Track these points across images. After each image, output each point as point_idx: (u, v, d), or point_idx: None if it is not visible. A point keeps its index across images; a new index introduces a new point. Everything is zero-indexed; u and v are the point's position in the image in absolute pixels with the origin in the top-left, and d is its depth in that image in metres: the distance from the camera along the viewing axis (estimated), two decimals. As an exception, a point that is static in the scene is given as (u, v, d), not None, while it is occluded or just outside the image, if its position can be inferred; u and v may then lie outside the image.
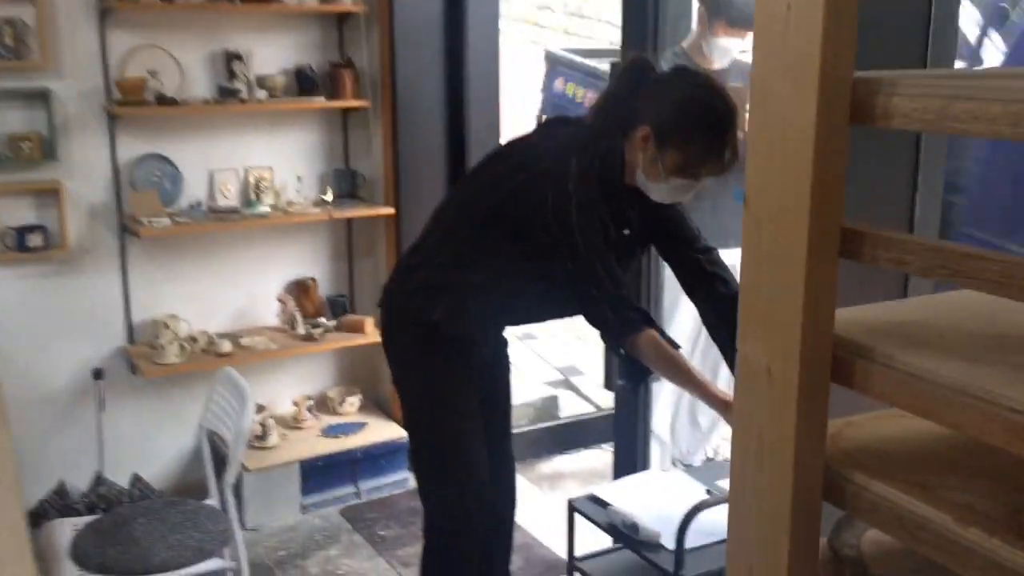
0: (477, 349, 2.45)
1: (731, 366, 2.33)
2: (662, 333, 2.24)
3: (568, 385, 4.79)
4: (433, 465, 2.43)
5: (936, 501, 0.92)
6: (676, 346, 2.24)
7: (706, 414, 3.85)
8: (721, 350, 2.37)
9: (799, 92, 0.95)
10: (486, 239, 2.29)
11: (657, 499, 2.38)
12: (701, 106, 2.14)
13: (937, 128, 0.88)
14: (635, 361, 2.26)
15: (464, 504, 2.40)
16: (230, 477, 2.46)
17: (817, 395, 1.00)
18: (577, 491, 3.93)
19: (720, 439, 4.05)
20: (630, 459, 2.95)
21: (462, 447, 2.40)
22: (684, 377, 2.22)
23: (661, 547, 2.18)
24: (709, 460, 3.94)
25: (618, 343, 2.23)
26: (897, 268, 0.93)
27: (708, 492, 2.42)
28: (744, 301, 1.05)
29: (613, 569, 2.38)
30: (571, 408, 4.51)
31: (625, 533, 2.23)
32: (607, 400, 4.68)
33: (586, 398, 4.65)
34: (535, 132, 2.37)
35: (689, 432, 3.87)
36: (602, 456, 4.18)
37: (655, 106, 2.16)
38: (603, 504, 2.37)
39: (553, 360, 5.04)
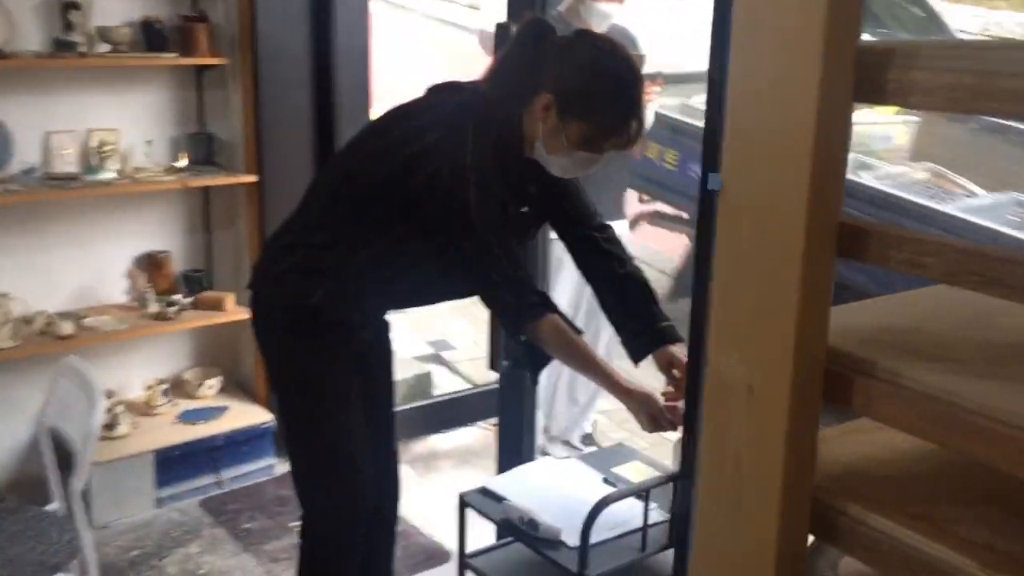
0: (358, 334, 2.25)
1: (629, 351, 2.21)
2: (564, 318, 2.09)
3: (439, 360, 4.63)
4: (313, 461, 2.22)
5: (950, 540, 0.80)
6: (579, 331, 2.10)
7: (584, 389, 3.76)
8: (619, 333, 2.25)
9: (799, 63, 0.80)
10: (370, 217, 2.08)
11: (554, 491, 2.24)
12: (608, 74, 1.99)
13: (967, 108, 0.75)
14: (535, 348, 2.11)
15: (347, 503, 2.21)
16: (78, 484, 2.18)
17: (808, 416, 0.86)
18: (453, 472, 3.79)
19: (597, 414, 3.98)
20: (516, 443, 2.81)
21: (344, 441, 2.20)
22: (588, 365, 2.09)
23: (562, 544, 2.05)
24: (587, 436, 3.87)
25: (519, 329, 2.08)
26: (911, 272, 0.79)
27: (606, 481, 2.30)
28: (718, 307, 0.90)
29: (508, 565, 2.23)
30: (444, 385, 4.34)
31: (523, 530, 2.08)
32: (481, 375, 4.54)
33: (459, 374, 4.50)
34: (423, 99, 2.17)
35: (567, 408, 3.78)
36: (478, 434, 4.05)
37: (557, 72, 1.99)
38: (496, 498, 2.22)
39: (423, 334, 4.85)
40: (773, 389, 0.85)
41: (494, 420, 4.07)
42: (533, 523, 2.07)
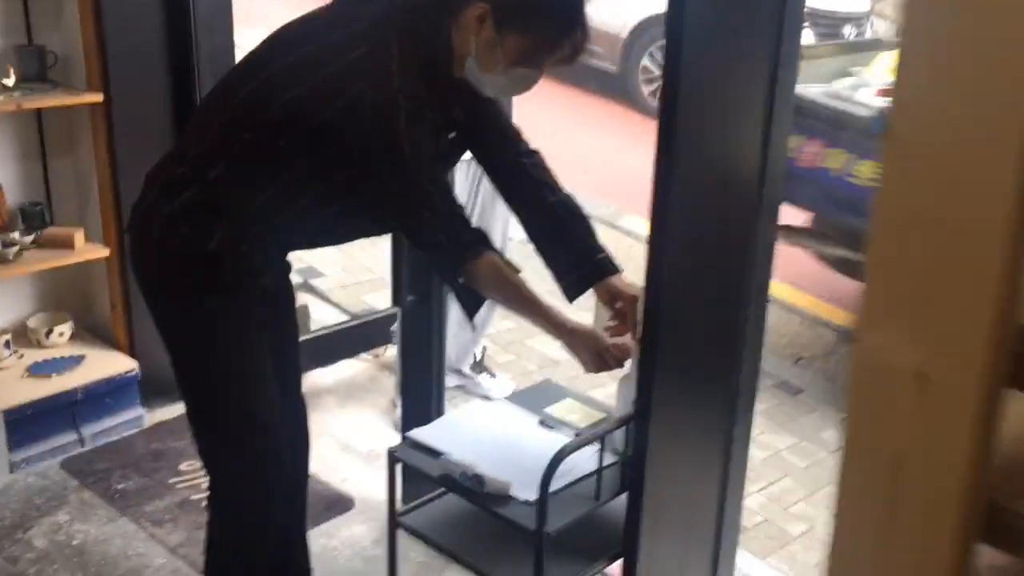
0: (259, 280, 1.98)
1: (565, 288, 2.04)
2: (501, 255, 1.90)
3: (309, 289, 4.33)
4: (220, 428, 1.97)
5: None
6: (517, 269, 1.91)
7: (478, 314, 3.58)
8: (552, 268, 2.07)
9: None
10: (276, 147, 1.80)
11: (491, 440, 2.07)
12: None
13: None
14: (471, 290, 1.91)
15: (262, 472, 1.97)
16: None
17: (995, 410, 0.71)
18: (339, 410, 3.56)
19: (485, 340, 3.82)
20: (424, 382, 2.61)
21: (255, 402, 1.95)
22: (528, 305, 1.91)
23: (512, 499, 1.89)
24: (477, 363, 3.71)
25: (455, 271, 1.86)
26: None
27: (542, 423, 2.15)
28: (876, 273, 0.73)
29: (445, 523, 2.06)
30: (317, 315, 4.07)
31: (468, 487, 1.91)
32: (355, 303, 4.30)
33: (332, 303, 4.23)
34: (331, 9, 1.88)
35: (457, 336, 3.60)
36: (361, 367, 3.82)
37: None
38: (429, 451, 2.03)
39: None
40: (956, 377, 0.69)
41: (377, 351, 3.87)
42: (479, 478, 1.90)
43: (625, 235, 5.40)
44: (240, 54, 3.20)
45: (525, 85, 1.85)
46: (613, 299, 1.98)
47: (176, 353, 1.94)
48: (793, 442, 3.84)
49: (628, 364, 1.97)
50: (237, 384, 1.94)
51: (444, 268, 1.93)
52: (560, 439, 2.07)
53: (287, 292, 2.17)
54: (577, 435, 2.09)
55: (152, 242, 1.89)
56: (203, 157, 1.86)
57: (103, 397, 3.17)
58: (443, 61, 1.81)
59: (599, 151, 6.96)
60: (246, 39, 3.27)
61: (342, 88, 1.73)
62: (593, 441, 1.90)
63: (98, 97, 3.00)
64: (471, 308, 1.95)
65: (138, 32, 3.02)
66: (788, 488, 3.52)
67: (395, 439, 3.33)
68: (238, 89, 1.88)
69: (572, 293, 2.03)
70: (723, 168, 1.88)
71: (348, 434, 3.37)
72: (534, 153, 2.09)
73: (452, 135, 1.92)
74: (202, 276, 1.86)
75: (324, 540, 2.77)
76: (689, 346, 1.93)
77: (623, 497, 1.98)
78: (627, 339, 1.96)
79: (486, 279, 1.87)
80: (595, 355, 1.91)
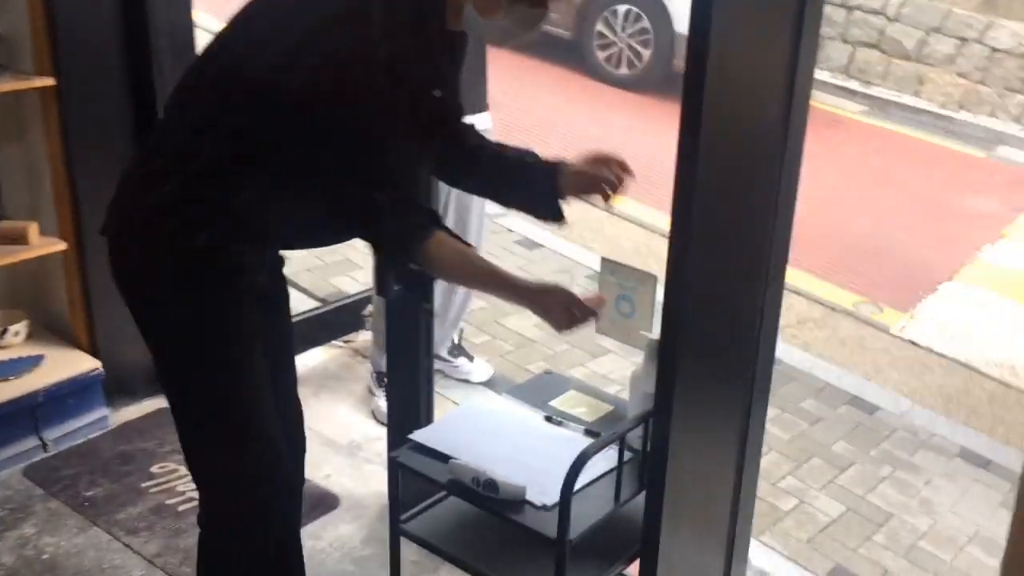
0: (252, 279, 1.84)
1: (542, 214, 1.98)
2: (450, 232, 1.80)
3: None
4: (215, 438, 1.83)
5: None
6: (468, 244, 1.83)
7: (456, 301, 3.47)
8: (523, 208, 2.01)
9: None
10: (265, 130, 1.65)
11: (498, 440, 1.96)
12: None
13: None
14: (417, 271, 1.82)
15: (261, 481, 1.85)
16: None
17: None
18: (315, 400, 3.41)
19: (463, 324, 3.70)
20: (411, 379, 2.48)
21: (251, 408, 1.83)
22: (489, 276, 1.83)
23: (527, 504, 1.79)
24: (456, 346, 3.60)
25: (409, 257, 1.78)
26: None
27: (548, 419, 2.05)
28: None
29: (450, 528, 1.96)
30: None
31: (481, 494, 1.80)
32: (321, 287, 4.16)
33: (299, 287, 4.07)
34: None
35: (438, 322, 3.48)
36: (330, 352, 3.70)
37: None
38: (434, 454, 1.92)
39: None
40: None
41: (348, 337, 3.74)
42: (492, 484, 1.79)
43: (592, 207, 5.30)
44: (198, 32, 3.04)
45: (529, 25, 1.72)
46: (586, 169, 1.95)
47: (165, 360, 1.80)
48: (775, 414, 3.80)
49: (595, 321, 1.87)
50: (233, 390, 1.80)
51: (395, 256, 1.82)
52: (570, 436, 1.98)
53: (281, 287, 2.03)
54: (587, 431, 2.01)
55: (134, 240, 1.73)
56: (182, 147, 1.71)
57: (65, 398, 3.00)
58: (434, 10, 1.67)
59: (557, 120, 6.84)
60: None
61: (317, 45, 1.59)
62: (614, 442, 1.81)
63: (48, 81, 2.80)
64: (416, 286, 1.86)
65: (90, 10, 2.81)
66: (774, 462, 3.48)
67: (375, 431, 3.25)
68: (210, 73, 1.72)
69: (554, 211, 1.95)
70: (744, 153, 1.79)
71: (326, 427, 3.25)
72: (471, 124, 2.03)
73: (438, 93, 1.78)
74: (191, 274, 1.72)
75: (312, 542, 2.65)
76: (708, 337, 1.84)
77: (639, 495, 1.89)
78: (593, 293, 1.89)
79: (441, 259, 1.77)
80: (565, 310, 1.81)
